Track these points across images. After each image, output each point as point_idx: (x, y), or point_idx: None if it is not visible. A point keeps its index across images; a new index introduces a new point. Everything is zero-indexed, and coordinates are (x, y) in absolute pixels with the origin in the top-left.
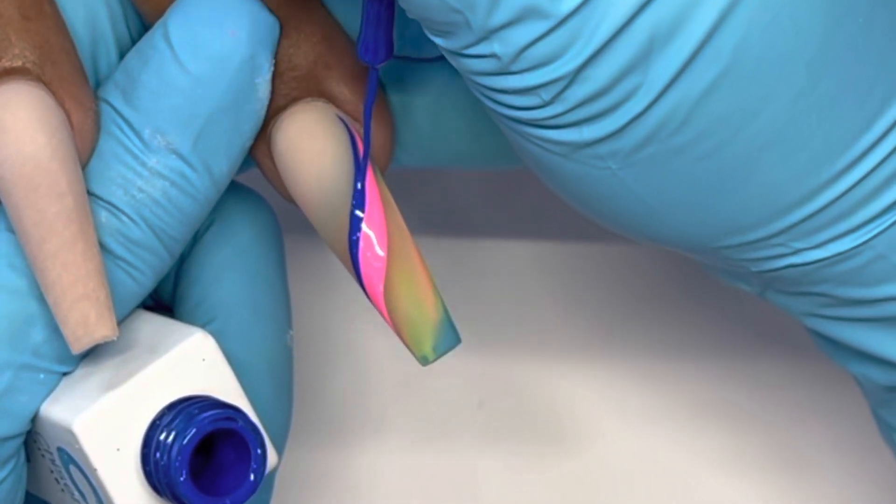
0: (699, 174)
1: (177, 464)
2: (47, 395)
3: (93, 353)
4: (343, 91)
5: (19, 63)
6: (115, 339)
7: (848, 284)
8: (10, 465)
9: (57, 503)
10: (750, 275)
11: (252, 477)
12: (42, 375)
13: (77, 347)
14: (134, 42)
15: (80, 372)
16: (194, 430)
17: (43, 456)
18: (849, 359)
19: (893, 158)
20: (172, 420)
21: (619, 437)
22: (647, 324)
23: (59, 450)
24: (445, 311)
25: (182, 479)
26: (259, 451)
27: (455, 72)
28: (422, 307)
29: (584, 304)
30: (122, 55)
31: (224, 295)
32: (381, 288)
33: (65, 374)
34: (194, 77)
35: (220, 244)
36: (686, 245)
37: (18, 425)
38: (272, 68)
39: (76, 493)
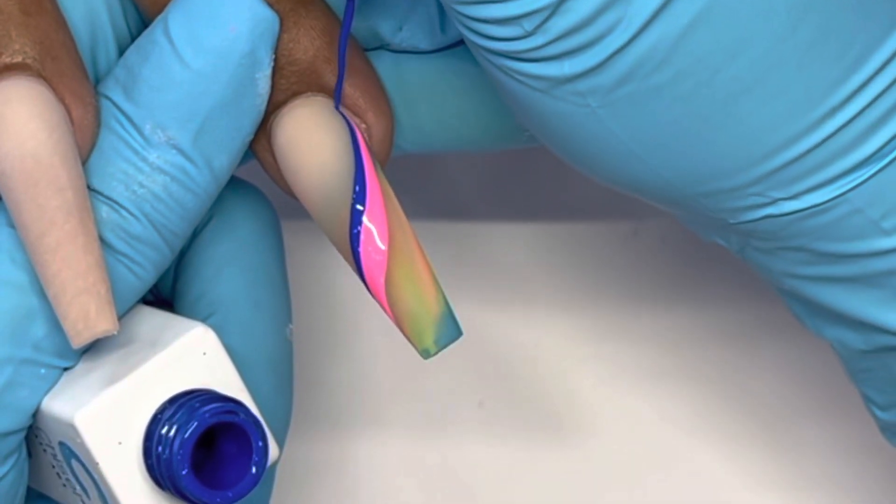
0: (678, 116)
1: (179, 457)
2: (48, 389)
3: (94, 348)
4: (343, 85)
5: (19, 59)
6: (115, 333)
7: (825, 239)
8: (11, 461)
9: (59, 498)
10: (728, 228)
11: (254, 470)
12: (43, 370)
13: (77, 342)
14: (133, 38)
15: (81, 367)
16: (196, 424)
17: (45, 451)
18: (825, 324)
19: (870, 111)
20: (174, 414)
21: (619, 434)
22: (651, 317)
23: (61, 444)
24: (447, 303)
25: (184, 472)
26: (260, 444)
27: (451, 58)
28: (423, 300)
29: (587, 296)
30: (121, 51)
31: (224, 289)
32: (382, 281)
33: (66, 369)
34: (195, 72)
35: (220, 239)
36: (664, 192)
37: (20, 420)
38: (272, 63)
39: (78, 487)
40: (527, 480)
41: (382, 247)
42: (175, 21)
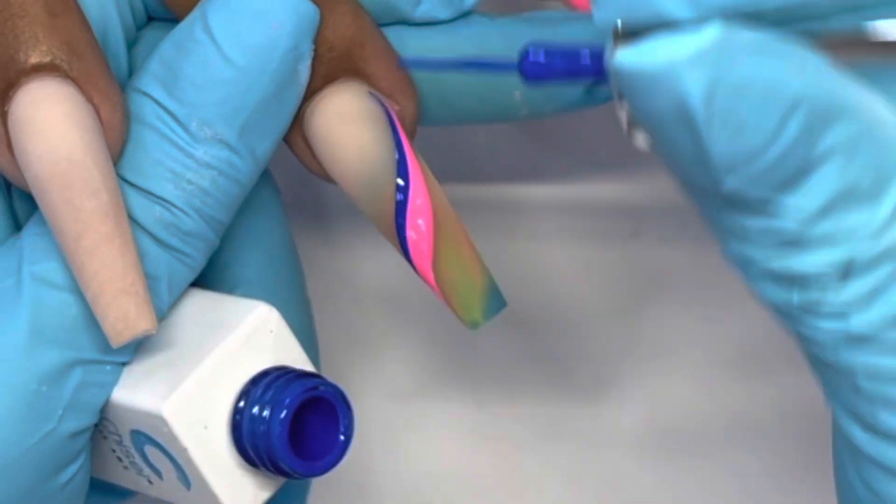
0: None
1: (277, 433)
2: (114, 384)
3: (157, 333)
4: (377, 67)
5: (48, 59)
6: (154, 333)
7: None
8: (82, 457)
9: (114, 479)
10: None
11: (342, 438)
12: (108, 367)
13: (117, 342)
14: (137, 27)
15: (146, 356)
16: (289, 401)
17: (105, 438)
18: None
19: None
20: (263, 393)
21: (620, 436)
22: (651, 318)
23: (135, 432)
24: (489, 275)
25: (284, 448)
26: (347, 412)
27: (451, 36)
28: (468, 274)
29: (587, 297)
30: (128, 45)
31: (247, 258)
32: (429, 258)
33: (125, 363)
34: (240, 70)
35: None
36: None
37: (92, 417)
38: (312, 54)
39: (146, 469)
40: (527, 480)
41: (427, 224)
42: (216, 18)
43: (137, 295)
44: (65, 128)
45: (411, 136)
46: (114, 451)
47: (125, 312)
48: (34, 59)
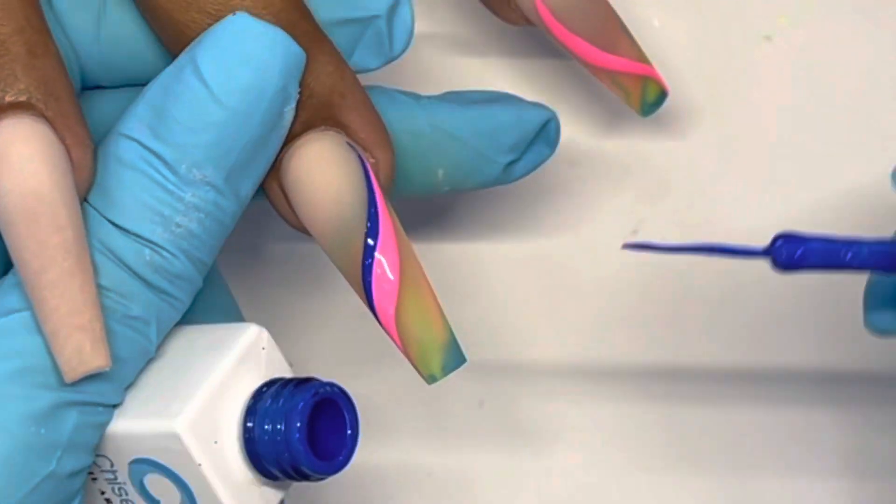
0: None
1: (297, 439)
2: (107, 423)
3: (146, 373)
4: (355, 119)
5: (24, 98)
6: (107, 370)
7: None
8: (79, 496)
9: None
10: None
11: (350, 431)
12: (101, 408)
13: (71, 377)
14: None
15: (143, 387)
16: (301, 406)
17: (94, 479)
18: None
19: None
20: (272, 403)
21: (619, 435)
22: (651, 318)
23: (136, 462)
24: (451, 331)
25: (306, 453)
26: (351, 409)
27: (430, 109)
28: (430, 329)
29: (587, 296)
30: None
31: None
32: (392, 312)
33: (115, 406)
34: (231, 111)
35: None
36: None
37: (88, 458)
38: (297, 96)
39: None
40: (526, 480)
41: (392, 278)
42: (205, 61)
43: (94, 332)
44: (35, 165)
45: (385, 189)
46: (103, 492)
47: (80, 348)
48: (10, 98)
